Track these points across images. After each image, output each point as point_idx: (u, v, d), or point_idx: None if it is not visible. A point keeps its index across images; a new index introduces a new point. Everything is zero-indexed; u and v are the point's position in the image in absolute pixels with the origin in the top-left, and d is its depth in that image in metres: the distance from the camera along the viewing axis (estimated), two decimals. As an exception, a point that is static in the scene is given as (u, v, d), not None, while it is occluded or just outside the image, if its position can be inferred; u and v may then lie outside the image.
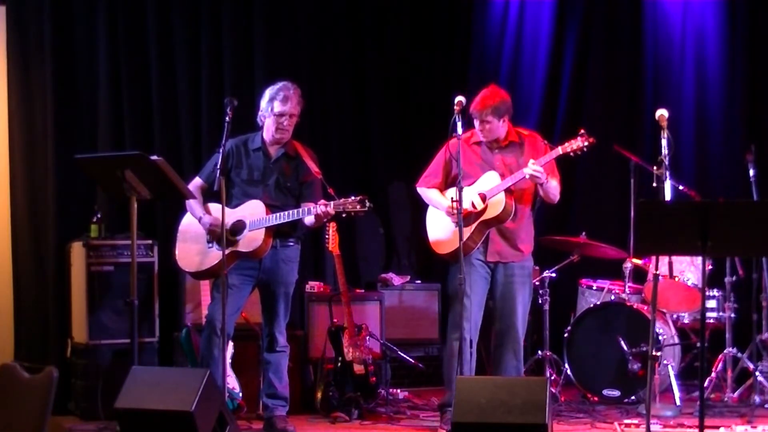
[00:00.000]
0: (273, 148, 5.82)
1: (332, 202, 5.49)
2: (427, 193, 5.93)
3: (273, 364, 5.81)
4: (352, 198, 5.49)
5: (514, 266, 5.77)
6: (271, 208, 5.64)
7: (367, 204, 5.47)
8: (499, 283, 5.77)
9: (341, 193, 5.58)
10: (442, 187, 5.87)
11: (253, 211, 5.65)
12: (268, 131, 5.80)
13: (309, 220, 5.63)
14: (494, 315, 5.82)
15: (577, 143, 5.53)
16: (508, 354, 5.77)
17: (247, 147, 5.82)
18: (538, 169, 5.51)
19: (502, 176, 5.67)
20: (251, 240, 5.61)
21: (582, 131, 5.54)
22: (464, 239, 5.53)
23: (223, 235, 5.33)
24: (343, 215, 5.53)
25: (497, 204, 5.63)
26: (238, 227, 5.63)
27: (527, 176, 5.54)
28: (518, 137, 5.82)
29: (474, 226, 5.63)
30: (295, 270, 5.86)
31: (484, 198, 5.65)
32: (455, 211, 5.53)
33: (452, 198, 5.55)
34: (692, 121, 7.69)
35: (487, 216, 5.64)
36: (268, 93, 5.78)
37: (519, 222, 5.74)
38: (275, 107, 5.73)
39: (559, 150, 5.57)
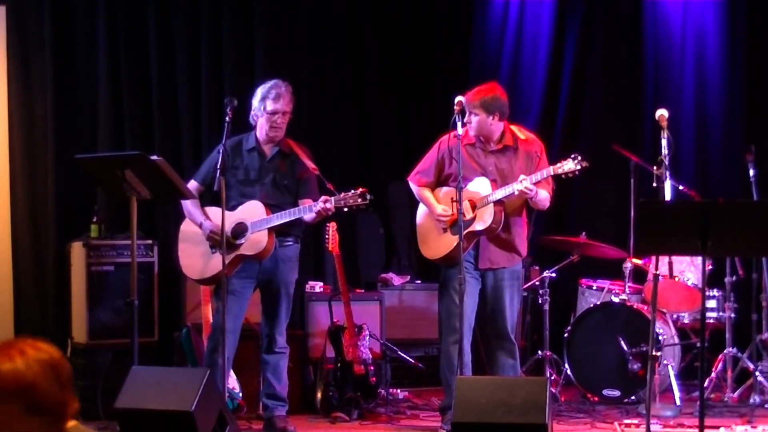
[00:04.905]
0: (267, 146, 5.78)
1: (333, 198, 5.48)
2: (419, 191, 5.87)
3: (271, 366, 5.79)
4: (352, 192, 5.48)
5: (504, 271, 5.73)
6: (270, 208, 5.62)
7: (368, 197, 5.47)
8: (488, 287, 5.72)
9: (341, 191, 5.57)
10: (434, 186, 5.82)
11: (252, 212, 5.62)
12: (261, 130, 5.77)
13: (309, 216, 5.60)
14: (484, 318, 5.78)
15: (569, 166, 5.42)
16: (502, 355, 5.74)
17: (241, 148, 5.78)
18: (530, 187, 5.44)
19: (494, 182, 5.60)
20: (255, 242, 5.59)
21: (576, 155, 5.42)
22: (452, 247, 5.50)
23: (223, 238, 5.31)
24: (345, 209, 5.52)
25: (486, 215, 5.56)
26: (240, 230, 5.59)
27: (516, 193, 5.48)
28: (514, 142, 5.72)
29: (462, 234, 5.52)
30: (295, 269, 5.84)
31: (474, 206, 5.62)
32: (444, 218, 5.53)
33: (452, 198, 5.52)
34: (692, 121, 7.68)
35: (475, 228, 5.59)
36: (259, 92, 5.74)
37: (511, 230, 5.68)
38: (267, 106, 5.69)
39: (551, 170, 5.48)
